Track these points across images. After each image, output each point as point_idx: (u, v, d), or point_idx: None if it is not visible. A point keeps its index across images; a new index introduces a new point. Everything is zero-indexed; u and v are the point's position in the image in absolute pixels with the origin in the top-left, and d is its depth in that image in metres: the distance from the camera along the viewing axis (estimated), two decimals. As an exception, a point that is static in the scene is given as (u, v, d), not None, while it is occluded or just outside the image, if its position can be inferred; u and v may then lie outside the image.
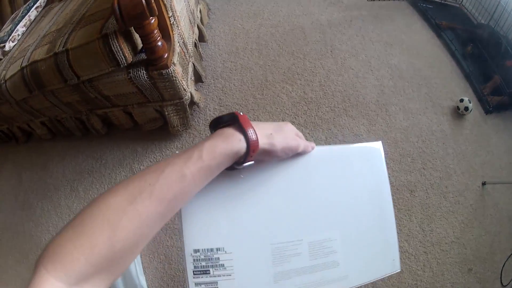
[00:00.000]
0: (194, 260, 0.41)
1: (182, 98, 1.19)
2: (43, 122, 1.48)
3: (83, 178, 1.43)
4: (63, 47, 1.08)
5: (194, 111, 1.46)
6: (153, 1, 0.89)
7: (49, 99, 1.25)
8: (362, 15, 1.81)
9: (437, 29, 1.80)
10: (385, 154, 0.53)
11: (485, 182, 1.40)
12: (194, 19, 1.45)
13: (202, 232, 0.42)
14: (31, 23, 1.54)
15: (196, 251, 0.41)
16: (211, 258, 0.41)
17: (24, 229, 1.41)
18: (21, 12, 1.56)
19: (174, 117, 1.26)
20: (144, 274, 1.17)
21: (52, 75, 1.12)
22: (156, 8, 0.90)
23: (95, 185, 1.39)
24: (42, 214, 1.41)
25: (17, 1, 1.70)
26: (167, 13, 1.08)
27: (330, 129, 1.43)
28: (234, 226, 0.42)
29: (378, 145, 0.51)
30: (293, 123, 1.44)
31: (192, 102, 1.31)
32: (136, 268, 1.11)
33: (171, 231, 1.24)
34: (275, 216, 0.44)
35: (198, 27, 1.51)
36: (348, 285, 0.46)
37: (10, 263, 1.36)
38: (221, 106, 1.50)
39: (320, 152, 0.48)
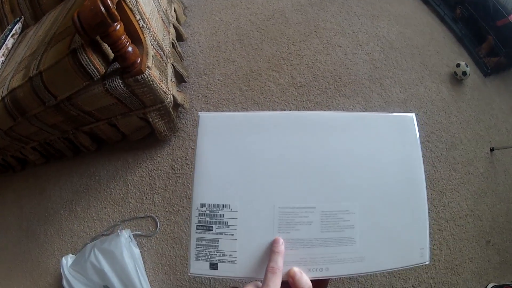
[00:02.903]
0: (199, 214, 0.40)
1: (164, 102, 1.14)
2: (34, 147, 1.46)
3: (80, 197, 1.40)
4: (36, 70, 1.06)
5: (181, 113, 1.41)
6: (113, 7, 0.84)
7: (34, 124, 1.23)
8: (343, -10, 1.73)
9: (423, -6, 1.72)
10: None
11: (493, 147, 1.33)
12: (168, 19, 1.40)
13: (211, 187, 0.41)
14: (9, 52, 1.51)
15: (202, 205, 0.40)
16: (216, 215, 0.40)
17: (32, 257, 1.39)
18: (-2, 43, 1.53)
19: (160, 123, 1.22)
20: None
21: (31, 100, 1.10)
22: (117, 14, 0.85)
23: (92, 203, 1.36)
24: (46, 240, 1.39)
25: (-6, 32, 1.68)
26: (134, 17, 1.03)
27: (324, 112, 1.38)
28: (244, 185, 0.41)
29: (411, 115, 0.45)
30: (284, 110, 1.39)
31: (177, 104, 1.27)
32: (142, 283, 1.08)
33: (172, 241, 1.20)
34: (288, 180, 0.41)
35: (174, 26, 1.46)
36: (364, 270, 0.40)
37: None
38: (207, 104, 1.45)
39: (345, 118, 0.43)
